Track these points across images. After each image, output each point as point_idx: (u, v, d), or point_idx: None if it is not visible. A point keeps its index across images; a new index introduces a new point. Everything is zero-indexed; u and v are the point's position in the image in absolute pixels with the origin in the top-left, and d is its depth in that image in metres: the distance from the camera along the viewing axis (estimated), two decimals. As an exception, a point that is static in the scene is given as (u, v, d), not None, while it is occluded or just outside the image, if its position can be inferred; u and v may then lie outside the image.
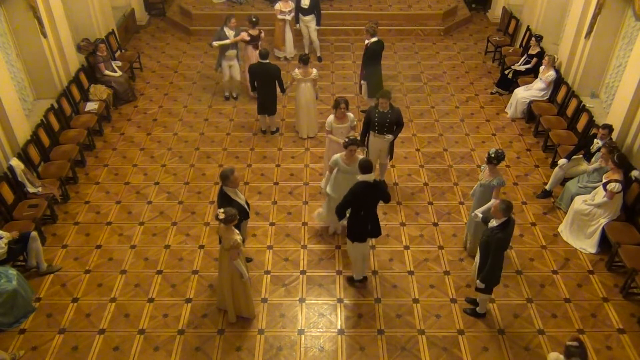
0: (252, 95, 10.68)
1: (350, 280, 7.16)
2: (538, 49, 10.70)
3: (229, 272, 6.18)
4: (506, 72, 11.03)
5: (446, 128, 10.17)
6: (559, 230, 7.96)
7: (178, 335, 6.52)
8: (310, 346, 6.42)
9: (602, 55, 9.48)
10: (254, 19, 10.42)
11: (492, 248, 5.94)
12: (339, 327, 6.63)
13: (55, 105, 9.28)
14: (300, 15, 11.71)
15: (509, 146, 9.66)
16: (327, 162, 7.95)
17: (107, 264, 7.43)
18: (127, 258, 7.52)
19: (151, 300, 6.94)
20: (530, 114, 10.22)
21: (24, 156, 8.15)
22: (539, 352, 6.35)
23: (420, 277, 7.28)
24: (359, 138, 8.31)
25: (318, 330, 6.60)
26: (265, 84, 9.46)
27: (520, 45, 12.04)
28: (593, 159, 8.08)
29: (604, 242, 7.53)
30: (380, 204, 6.73)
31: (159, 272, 7.33)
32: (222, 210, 5.86)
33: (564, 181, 8.41)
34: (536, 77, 10.34)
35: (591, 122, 8.89)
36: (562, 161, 8.30)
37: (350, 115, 8.07)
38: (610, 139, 7.98)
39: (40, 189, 7.93)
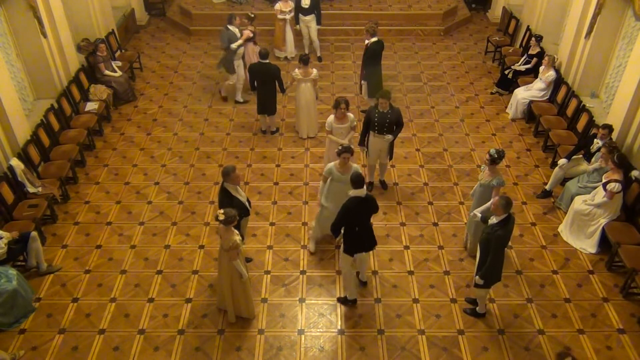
0: (249, 94, 10.74)
1: (343, 301, 6.90)
2: (538, 49, 10.70)
3: (228, 273, 6.18)
4: (506, 72, 11.03)
5: (446, 128, 10.17)
6: (559, 230, 7.96)
7: (178, 335, 6.52)
8: (310, 346, 6.42)
9: (602, 55, 9.48)
10: (252, 15, 10.45)
11: (493, 245, 5.94)
12: (339, 327, 6.63)
13: (55, 105, 9.28)
14: (300, 15, 11.71)
15: (509, 146, 9.66)
16: (327, 162, 7.95)
17: (107, 264, 7.43)
18: (127, 258, 7.52)
19: (151, 300, 6.94)
20: (530, 114, 10.22)
21: (24, 156, 8.15)
22: (539, 352, 6.35)
23: (420, 277, 7.28)
24: (359, 138, 8.36)
25: (318, 330, 6.60)
26: (265, 83, 9.46)
27: (520, 45, 12.04)
28: (593, 159, 8.08)
29: (604, 242, 7.52)
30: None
31: (159, 272, 7.33)
32: (221, 211, 5.86)
33: (564, 181, 8.41)
34: (536, 77, 10.34)
35: (591, 122, 8.88)
36: (562, 161, 8.30)
37: (351, 115, 8.07)
38: (610, 139, 7.98)
39: (40, 189, 7.93)
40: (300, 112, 9.69)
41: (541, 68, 10.20)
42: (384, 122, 7.89)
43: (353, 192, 6.19)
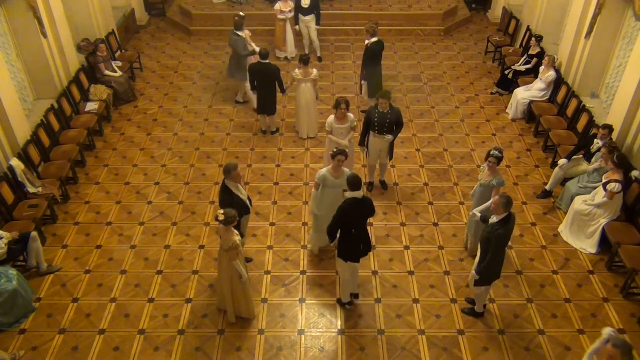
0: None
1: (339, 302, 6.86)
2: (538, 49, 10.70)
3: (228, 273, 6.18)
4: (506, 72, 11.03)
5: (446, 128, 10.17)
6: (559, 230, 7.96)
7: (178, 335, 6.52)
8: (310, 346, 6.42)
9: (602, 55, 9.48)
10: (242, 14, 10.41)
11: (493, 244, 5.94)
12: (339, 327, 6.63)
13: (55, 105, 9.28)
14: (300, 15, 11.71)
15: (509, 146, 9.66)
16: (327, 162, 7.95)
17: (107, 264, 7.43)
18: (127, 258, 7.52)
19: (151, 300, 6.94)
20: (530, 114, 10.22)
21: (24, 156, 8.15)
22: (539, 352, 6.35)
23: (420, 277, 7.28)
24: (359, 138, 8.36)
25: (318, 330, 6.60)
26: (265, 83, 9.46)
27: (520, 45, 12.04)
28: (593, 159, 8.08)
29: (604, 242, 7.52)
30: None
31: (159, 272, 7.33)
32: (221, 211, 5.86)
33: (564, 181, 8.41)
34: (536, 77, 10.34)
35: (591, 122, 8.88)
36: (562, 161, 8.30)
37: (351, 115, 8.07)
38: (610, 139, 7.98)
39: (40, 189, 7.93)
40: (300, 112, 9.69)
41: (541, 68, 10.20)
42: (384, 122, 7.90)
43: (350, 194, 6.12)
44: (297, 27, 11.91)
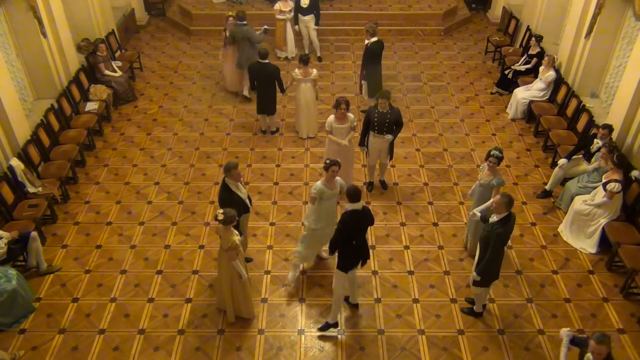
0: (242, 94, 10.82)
1: (324, 327, 6.54)
2: (538, 49, 10.70)
3: (228, 273, 6.18)
4: (506, 72, 11.03)
5: (446, 128, 10.17)
6: (559, 230, 7.96)
7: (178, 335, 6.52)
8: (310, 346, 6.41)
9: (602, 55, 9.48)
10: (232, 14, 10.46)
11: (492, 243, 5.94)
12: (338, 327, 6.63)
13: (55, 105, 9.28)
14: (300, 15, 11.71)
15: (509, 146, 9.66)
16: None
17: (107, 264, 7.43)
18: (127, 258, 7.52)
19: (151, 300, 6.94)
20: (530, 114, 10.22)
21: (24, 156, 8.15)
22: (539, 352, 6.35)
23: (420, 277, 7.28)
24: (359, 138, 8.36)
25: (318, 330, 6.59)
26: (265, 83, 9.45)
27: (520, 45, 12.04)
28: (593, 159, 8.08)
29: (604, 242, 7.52)
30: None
31: (159, 272, 7.33)
32: (221, 211, 5.86)
33: (564, 181, 8.41)
34: (536, 77, 10.34)
35: (591, 122, 8.89)
36: (562, 161, 8.30)
37: (351, 115, 8.06)
38: (610, 139, 7.99)
39: (40, 189, 7.93)
40: (300, 112, 9.69)
41: (541, 68, 10.20)
42: (384, 122, 7.90)
43: (350, 206, 6.00)
44: (296, 27, 11.91)
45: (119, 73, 10.70)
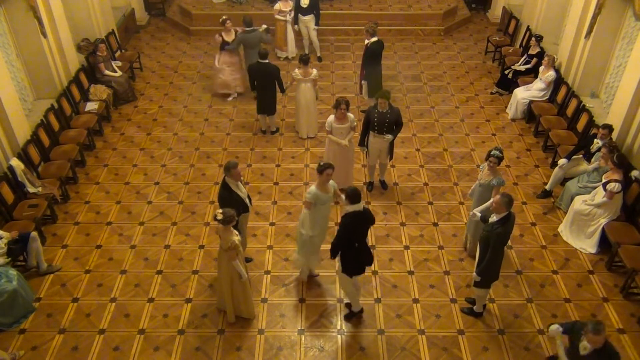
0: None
1: (349, 316, 6.68)
2: (538, 49, 10.70)
3: (228, 273, 6.18)
4: (506, 72, 11.03)
5: (446, 128, 10.17)
6: (559, 230, 7.96)
7: (178, 335, 6.52)
8: (310, 346, 6.42)
9: (602, 55, 9.48)
10: (225, 18, 10.45)
11: (492, 243, 5.94)
12: (338, 327, 6.63)
13: (55, 105, 9.28)
14: (300, 15, 11.71)
15: (509, 146, 9.66)
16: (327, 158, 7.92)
17: (107, 264, 7.43)
18: (127, 258, 7.52)
19: (151, 300, 6.94)
20: (530, 114, 10.22)
21: (24, 156, 8.15)
22: (539, 352, 6.34)
23: (420, 277, 7.28)
24: (359, 138, 8.36)
25: (318, 330, 6.60)
26: (265, 84, 9.45)
27: (520, 45, 12.04)
28: (593, 159, 8.08)
29: (604, 242, 7.52)
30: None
31: (159, 272, 7.33)
32: (220, 210, 5.86)
33: (564, 181, 8.41)
34: (536, 77, 10.34)
35: (591, 122, 8.89)
36: (562, 161, 8.30)
37: (351, 116, 8.06)
38: (610, 139, 7.99)
39: (40, 189, 7.93)
40: (300, 112, 9.69)
41: (541, 68, 10.20)
42: (384, 122, 7.90)
43: (351, 207, 5.94)
44: (296, 27, 11.91)
45: (119, 73, 10.70)
